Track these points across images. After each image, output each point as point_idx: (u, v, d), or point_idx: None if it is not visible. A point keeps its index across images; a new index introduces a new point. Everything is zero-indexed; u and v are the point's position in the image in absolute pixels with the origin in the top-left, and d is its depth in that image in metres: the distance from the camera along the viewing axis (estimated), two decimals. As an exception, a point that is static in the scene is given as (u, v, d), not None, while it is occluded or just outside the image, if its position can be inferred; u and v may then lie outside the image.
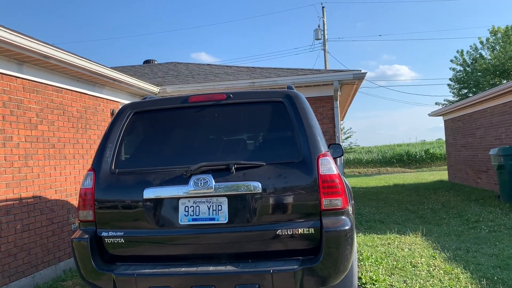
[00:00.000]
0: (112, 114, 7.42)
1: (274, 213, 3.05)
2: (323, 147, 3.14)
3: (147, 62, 14.67)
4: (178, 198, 3.11)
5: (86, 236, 3.17)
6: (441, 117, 17.60)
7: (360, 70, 8.20)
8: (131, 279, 3.01)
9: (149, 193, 3.12)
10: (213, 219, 3.07)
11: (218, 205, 3.08)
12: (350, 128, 34.64)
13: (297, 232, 2.99)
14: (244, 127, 3.44)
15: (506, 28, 26.72)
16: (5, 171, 5.02)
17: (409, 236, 7.01)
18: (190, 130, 3.44)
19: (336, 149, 5.40)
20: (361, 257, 5.69)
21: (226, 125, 3.39)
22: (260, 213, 3.04)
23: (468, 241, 6.47)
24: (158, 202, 3.13)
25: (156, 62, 14.41)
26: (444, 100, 31.46)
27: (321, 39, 32.88)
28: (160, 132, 3.44)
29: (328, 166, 3.06)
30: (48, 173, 5.74)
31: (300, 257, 3.03)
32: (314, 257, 3.00)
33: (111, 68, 6.86)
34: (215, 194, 3.06)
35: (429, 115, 17.79)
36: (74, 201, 6.28)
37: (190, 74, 10.12)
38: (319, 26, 32.47)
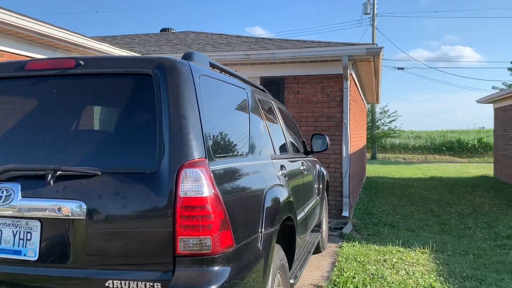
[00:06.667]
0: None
1: (103, 253, 1.95)
2: (196, 151, 1.97)
3: (164, 30, 13.69)
4: None
5: None
6: (491, 104, 15.50)
7: (376, 44, 6.76)
8: None
9: None
10: (18, 252, 2.01)
11: (27, 232, 2.02)
12: (396, 112, 32.57)
13: (136, 287, 1.89)
14: (91, 112, 2.31)
15: None
16: None
17: (415, 251, 5.69)
18: (19, 113, 2.36)
19: (317, 140, 4.39)
20: (338, 279, 4.50)
21: (67, 107, 2.27)
22: (81, 250, 1.95)
23: (487, 267, 5.07)
24: None
25: (173, 31, 13.41)
26: (503, 84, 28.52)
27: (370, 13, 30.63)
28: None
29: (197, 183, 1.90)
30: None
31: None
32: None
33: (78, 33, 5.91)
34: (23, 215, 2.00)
35: (478, 101, 15.71)
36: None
37: (186, 44, 9.02)
38: (368, -1, 30.33)
